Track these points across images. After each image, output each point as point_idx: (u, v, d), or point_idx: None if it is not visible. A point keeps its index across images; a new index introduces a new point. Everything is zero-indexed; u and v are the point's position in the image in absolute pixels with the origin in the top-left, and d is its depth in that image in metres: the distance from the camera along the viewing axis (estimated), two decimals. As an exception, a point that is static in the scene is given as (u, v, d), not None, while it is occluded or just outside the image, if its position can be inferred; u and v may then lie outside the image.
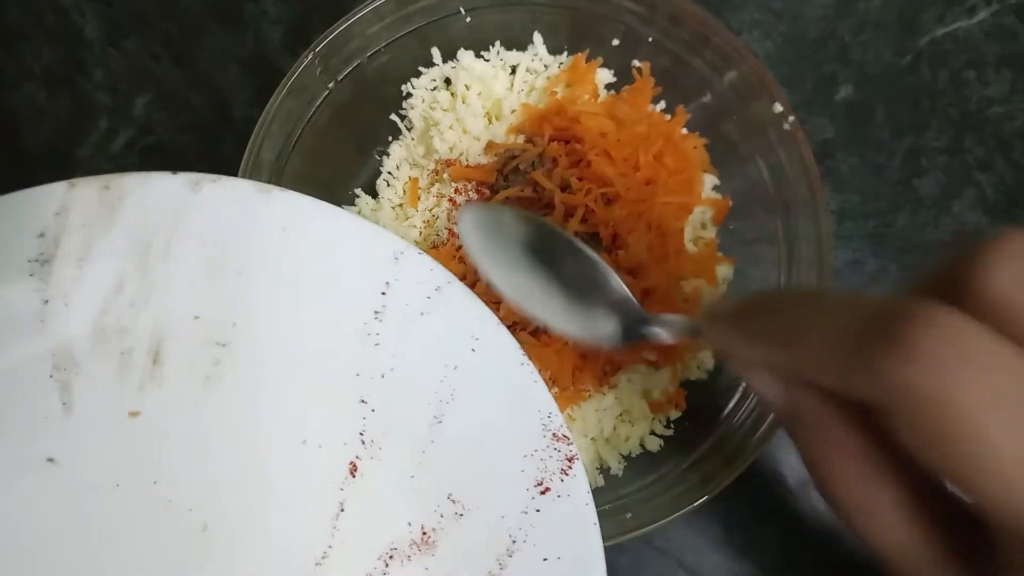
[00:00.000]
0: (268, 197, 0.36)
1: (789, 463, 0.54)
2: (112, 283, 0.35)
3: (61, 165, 0.59)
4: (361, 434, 0.36)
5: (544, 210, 0.49)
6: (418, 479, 0.36)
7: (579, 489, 0.35)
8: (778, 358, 0.25)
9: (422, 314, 0.36)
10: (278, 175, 0.48)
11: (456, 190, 0.51)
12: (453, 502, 0.36)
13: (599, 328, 0.39)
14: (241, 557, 0.35)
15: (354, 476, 0.36)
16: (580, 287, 0.39)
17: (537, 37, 0.53)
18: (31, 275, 0.34)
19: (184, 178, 0.35)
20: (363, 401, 0.36)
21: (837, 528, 0.53)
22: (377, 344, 0.36)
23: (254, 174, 0.46)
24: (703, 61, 0.49)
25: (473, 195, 0.51)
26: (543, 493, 0.35)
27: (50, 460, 0.34)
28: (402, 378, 0.36)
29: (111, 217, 0.35)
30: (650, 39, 0.50)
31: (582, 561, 0.35)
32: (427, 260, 0.36)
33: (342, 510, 0.36)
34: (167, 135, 0.60)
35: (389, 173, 0.54)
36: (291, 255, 0.36)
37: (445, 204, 0.51)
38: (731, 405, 0.48)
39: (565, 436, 0.36)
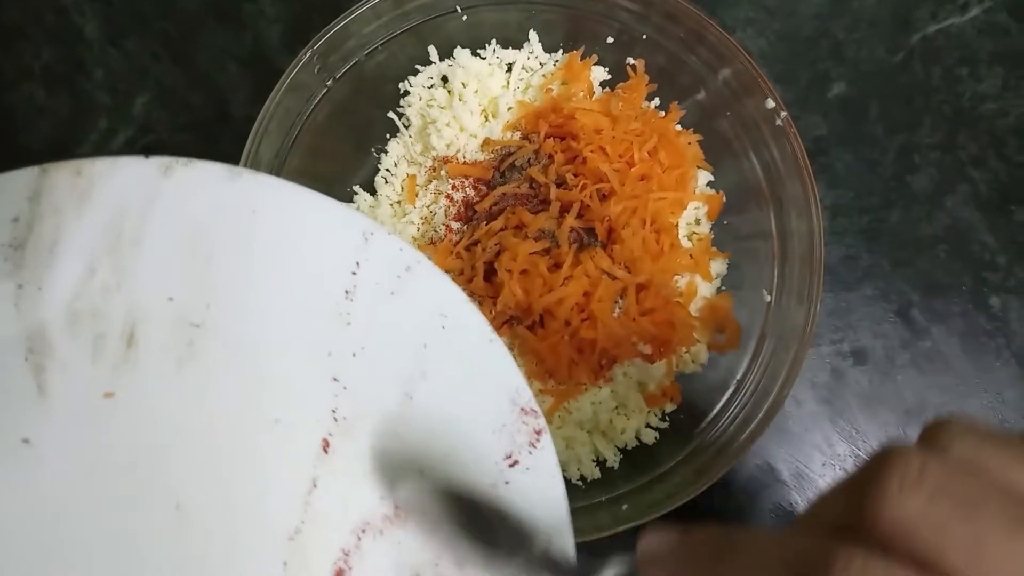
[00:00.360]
0: (239, 180, 0.36)
1: (782, 456, 0.54)
2: (85, 267, 0.35)
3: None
4: (333, 411, 0.37)
5: (540, 206, 0.49)
6: (391, 454, 0.37)
7: (547, 461, 0.36)
8: None
9: (392, 293, 0.37)
10: (277, 172, 0.48)
11: (453, 186, 0.51)
12: (425, 476, 0.36)
13: None
14: (215, 534, 0.35)
15: (327, 453, 0.37)
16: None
17: (533, 35, 0.53)
18: (5, 260, 0.35)
19: (156, 162, 0.36)
20: (335, 379, 0.37)
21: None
22: (348, 323, 0.37)
23: (253, 172, 0.47)
24: (697, 59, 0.50)
25: (470, 191, 0.51)
26: (512, 466, 0.36)
27: (25, 441, 0.34)
28: (373, 356, 0.37)
29: (83, 202, 0.35)
30: (645, 37, 0.51)
31: (552, 532, 0.36)
32: (396, 240, 0.37)
33: (315, 486, 0.36)
34: (166, 134, 0.60)
35: (387, 170, 0.55)
36: (262, 236, 0.37)
37: (443, 201, 0.51)
38: (725, 398, 0.49)
39: (533, 410, 0.36)
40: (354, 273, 0.37)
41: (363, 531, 0.36)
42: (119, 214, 0.36)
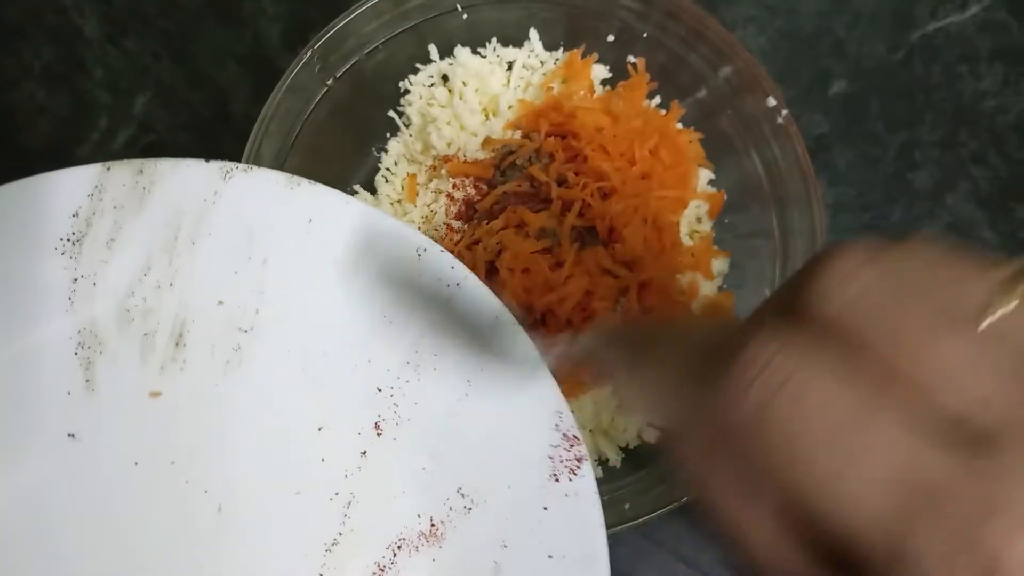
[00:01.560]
0: (297, 189, 0.37)
1: (785, 454, 0.54)
2: (140, 265, 0.36)
3: (61, 164, 0.59)
4: (376, 424, 0.37)
5: (541, 204, 0.49)
6: (429, 471, 0.37)
7: (587, 490, 0.36)
8: (640, 378, 0.25)
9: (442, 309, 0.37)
10: (277, 172, 0.48)
11: (454, 185, 0.51)
12: (463, 496, 0.36)
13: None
14: (253, 539, 0.36)
15: (368, 465, 0.37)
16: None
17: (533, 33, 0.53)
18: (62, 254, 0.35)
19: (216, 166, 0.36)
20: (379, 390, 0.37)
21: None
22: (398, 336, 0.37)
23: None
24: (698, 56, 0.50)
25: (471, 190, 0.51)
26: (551, 492, 0.36)
27: (71, 436, 0.35)
28: (419, 371, 0.37)
29: (143, 200, 0.36)
30: (645, 35, 0.51)
31: (587, 561, 0.35)
32: (448, 257, 0.37)
33: (354, 497, 0.36)
34: (167, 133, 0.60)
35: (387, 169, 0.55)
36: (316, 246, 0.37)
37: (443, 199, 0.51)
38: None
39: (575, 436, 0.36)
40: (404, 287, 0.37)
41: (399, 547, 0.36)
42: (177, 214, 0.36)
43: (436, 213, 0.51)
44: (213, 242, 0.36)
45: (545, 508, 0.36)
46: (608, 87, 0.54)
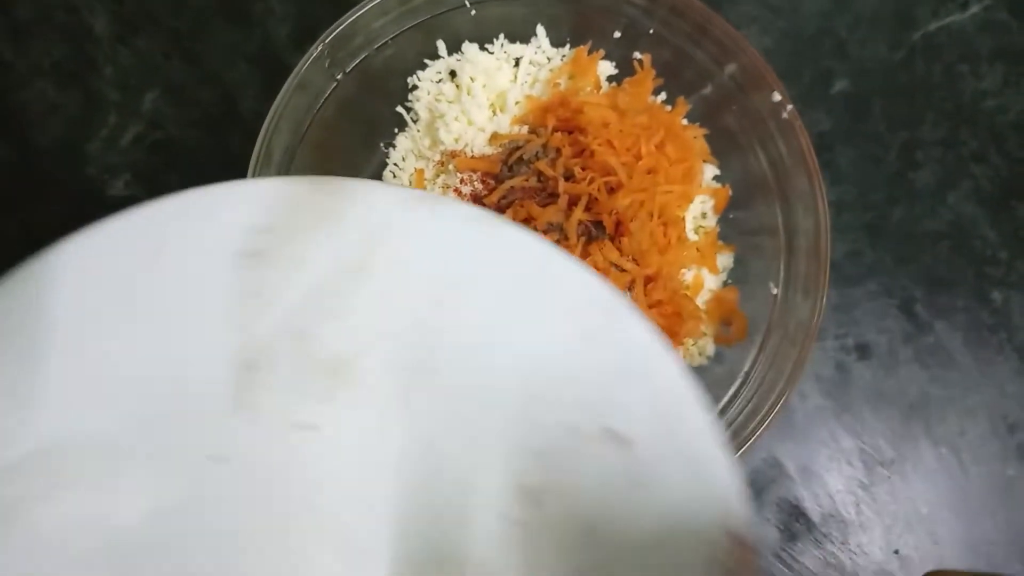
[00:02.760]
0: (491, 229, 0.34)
1: (788, 450, 0.55)
2: (313, 288, 0.33)
3: (71, 160, 0.60)
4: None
5: (548, 199, 0.50)
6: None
7: None
8: None
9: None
10: (286, 169, 0.49)
11: (462, 180, 0.51)
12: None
13: None
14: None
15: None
16: None
17: (540, 30, 0.54)
18: (234, 268, 0.33)
19: (406, 194, 0.34)
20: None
21: (831, 509, 0.54)
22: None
23: (264, 169, 0.47)
24: (703, 53, 0.50)
25: (478, 185, 0.51)
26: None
27: (218, 458, 0.32)
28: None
29: (324, 220, 0.33)
30: (651, 31, 0.51)
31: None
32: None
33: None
34: (175, 130, 0.61)
35: (395, 165, 0.55)
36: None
37: (451, 194, 0.51)
38: (731, 392, 0.49)
39: None
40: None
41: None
42: (363, 240, 0.33)
43: (444, 207, 0.52)
44: (396, 275, 0.33)
45: None
46: (614, 83, 0.54)
